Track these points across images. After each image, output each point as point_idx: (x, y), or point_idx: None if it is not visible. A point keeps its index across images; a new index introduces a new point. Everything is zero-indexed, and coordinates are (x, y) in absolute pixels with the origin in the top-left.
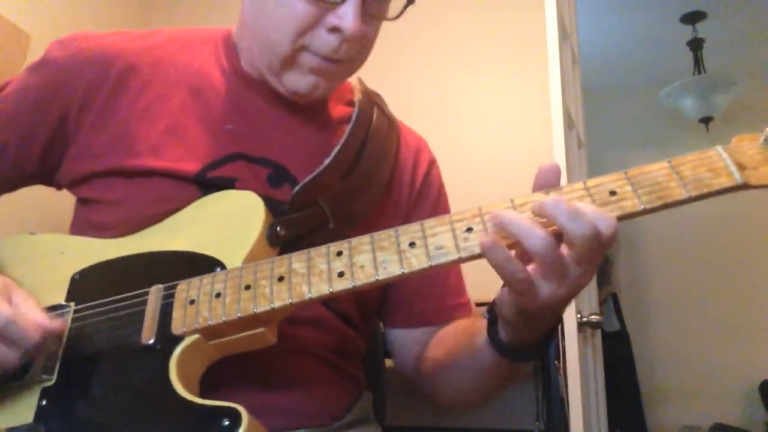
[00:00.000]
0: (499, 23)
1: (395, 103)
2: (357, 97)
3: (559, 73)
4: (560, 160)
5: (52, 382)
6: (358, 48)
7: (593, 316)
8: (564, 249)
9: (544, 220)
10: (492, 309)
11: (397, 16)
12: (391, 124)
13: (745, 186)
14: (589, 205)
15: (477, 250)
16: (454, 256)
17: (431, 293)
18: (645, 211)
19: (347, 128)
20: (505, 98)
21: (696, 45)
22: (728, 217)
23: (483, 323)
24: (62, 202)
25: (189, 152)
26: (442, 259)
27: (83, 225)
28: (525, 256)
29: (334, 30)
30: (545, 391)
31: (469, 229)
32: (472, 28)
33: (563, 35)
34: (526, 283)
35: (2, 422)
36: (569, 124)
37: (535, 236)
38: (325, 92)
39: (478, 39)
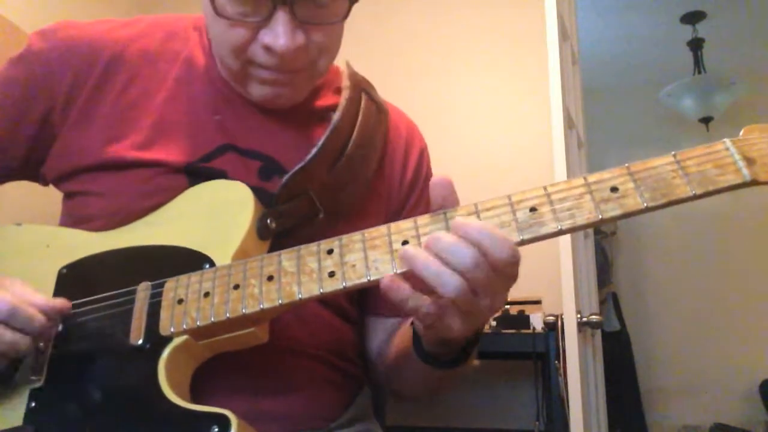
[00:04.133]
0: (499, 23)
1: (395, 102)
2: (344, 83)
3: (559, 73)
4: (560, 160)
5: (40, 383)
6: (307, 56)
7: (593, 316)
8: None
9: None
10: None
11: (345, 17)
12: (379, 109)
13: (753, 183)
14: (484, 228)
15: None
16: None
17: None
18: (648, 209)
19: (333, 118)
20: (505, 98)
21: (696, 45)
22: (729, 217)
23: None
24: (48, 196)
25: (179, 145)
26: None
27: (69, 220)
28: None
29: (268, 48)
30: (545, 391)
31: None
32: (472, 28)
33: (563, 35)
34: (430, 317)
35: None
36: (569, 124)
37: (445, 283)
38: (293, 98)
39: (478, 39)
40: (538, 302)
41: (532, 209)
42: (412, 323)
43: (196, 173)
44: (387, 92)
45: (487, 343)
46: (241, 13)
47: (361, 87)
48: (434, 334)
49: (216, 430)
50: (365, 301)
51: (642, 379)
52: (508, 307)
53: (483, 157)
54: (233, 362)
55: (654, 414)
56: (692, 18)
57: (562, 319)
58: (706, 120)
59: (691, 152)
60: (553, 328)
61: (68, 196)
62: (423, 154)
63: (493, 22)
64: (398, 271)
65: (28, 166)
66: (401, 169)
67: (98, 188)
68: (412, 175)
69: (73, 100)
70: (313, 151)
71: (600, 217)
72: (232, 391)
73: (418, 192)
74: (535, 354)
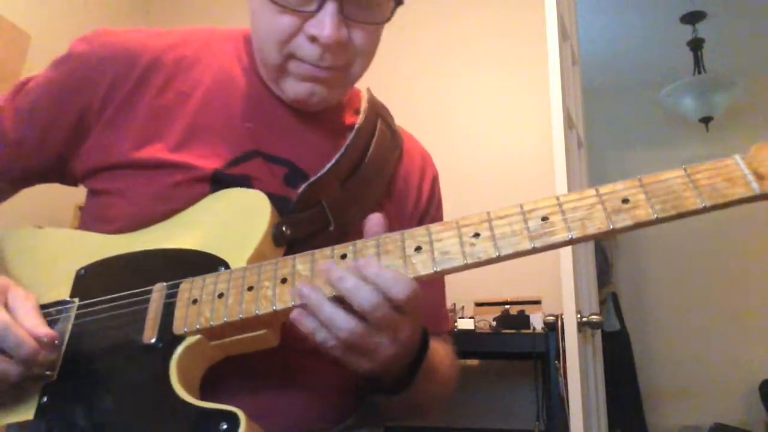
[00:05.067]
0: (499, 23)
1: (395, 103)
2: (363, 106)
3: (559, 73)
4: (560, 160)
5: (53, 379)
6: (347, 55)
7: (593, 316)
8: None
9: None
10: None
11: (388, 19)
12: (393, 136)
13: (763, 196)
14: (382, 270)
15: (484, 257)
16: (459, 262)
17: (430, 299)
18: (658, 220)
19: (350, 135)
20: (505, 98)
21: (696, 45)
22: (729, 217)
23: None
24: (61, 200)
25: (208, 149)
26: (448, 265)
27: (91, 218)
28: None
29: (313, 39)
30: (545, 391)
31: (476, 235)
32: (472, 28)
33: (563, 35)
34: (336, 351)
35: (4, 419)
36: (569, 124)
37: (360, 296)
38: (326, 99)
39: (478, 39)
40: (538, 302)
41: (544, 218)
42: None
43: (221, 180)
44: (388, 92)
45: (487, 343)
46: (293, 3)
47: (378, 112)
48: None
49: (225, 426)
50: None
51: (642, 379)
52: (507, 307)
53: (483, 157)
54: (242, 359)
55: (654, 414)
56: (692, 18)
57: (562, 319)
58: (706, 120)
59: (702, 166)
60: (553, 328)
61: (93, 193)
62: (435, 182)
63: (493, 22)
64: (438, 270)
65: (61, 165)
66: (416, 194)
67: (123, 187)
68: (426, 201)
69: (109, 101)
70: (329, 164)
71: (611, 227)
72: (239, 387)
73: (429, 218)
74: (535, 354)
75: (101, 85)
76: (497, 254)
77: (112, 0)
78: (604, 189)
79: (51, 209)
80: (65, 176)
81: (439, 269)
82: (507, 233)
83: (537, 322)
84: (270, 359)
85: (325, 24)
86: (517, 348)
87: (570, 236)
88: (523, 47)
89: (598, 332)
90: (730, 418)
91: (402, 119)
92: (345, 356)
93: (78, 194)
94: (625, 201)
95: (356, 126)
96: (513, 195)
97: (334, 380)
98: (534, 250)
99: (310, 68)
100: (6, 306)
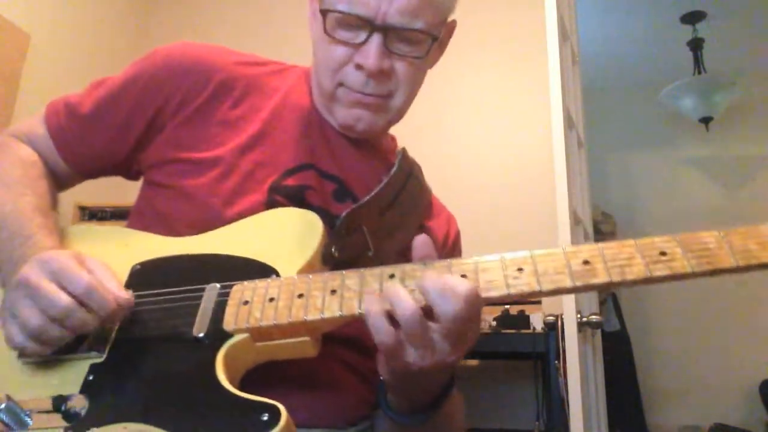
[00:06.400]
0: (499, 23)
1: None
2: (398, 149)
3: (559, 73)
4: (560, 160)
5: (101, 360)
6: (389, 84)
7: (593, 316)
8: (433, 324)
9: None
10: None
11: (426, 54)
12: (423, 188)
13: None
14: (462, 283)
15: (525, 289)
16: (502, 292)
17: None
18: (694, 275)
19: (394, 166)
20: (505, 98)
21: (696, 45)
22: (729, 216)
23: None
24: (61, 200)
25: (270, 158)
26: (492, 293)
27: (147, 210)
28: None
29: (359, 67)
30: (545, 391)
31: (520, 269)
32: (472, 28)
33: (563, 35)
34: (392, 347)
35: (51, 390)
36: (569, 124)
37: (403, 306)
38: (371, 125)
39: (478, 39)
40: (538, 302)
41: (585, 262)
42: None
43: (278, 188)
44: None
45: (487, 343)
46: (345, 36)
47: (411, 166)
48: (388, 366)
49: (266, 417)
50: None
51: (642, 379)
52: (507, 307)
53: (483, 156)
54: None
55: (654, 414)
56: (692, 18)
57: (562, 319)
58: (705, 120)
59: (736, 230)
60: (553, 328)
61: (154, 185)
62: (458, 237)
63: (493, 22)
64: (483, 297)
65: (131, 158)
66: (443, 241)
67: (185, 185)
68: (450, 249)
69: (186, 104)
70: (375, 189)
71: (649, 275)
72: (263, 378)
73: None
74: (535, 354)
75: (180, 90)
76: (539, 289)
77: (112, 0)
78: (642, 241)
79: None
80: (131, 169)
81: (483, 296)
82: (549, 270)
83: (537, 322)
84: (289, 360)
85: (370, 54)
86: (517, 348)
87: (610, 280)
88: (523, 47)
89: (598, 332)
90: (730, 418)
91: (402, 119)
92: (395, 353)
93: (78, 194)
94: (663, 254)
95: (397, 160)
96: (513, 195)
97: (350, 383)
98: (574, 289)
99: (356, 95)
100: (86, 269)
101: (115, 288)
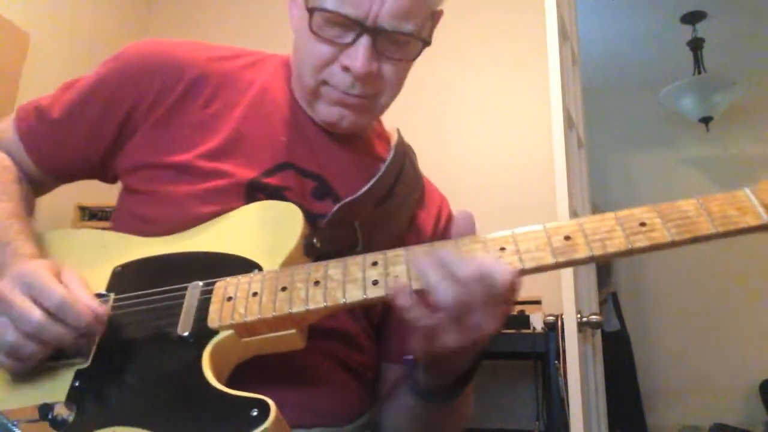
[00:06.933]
0: (499, 23)
1: (396, 103)
2: (394, 140)
3: (559, 73)
4: (560, 160)
5: (86, 365)
6: (376, 86)
7: (593, 316)
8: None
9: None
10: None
11: (414, 58)
12: (416, 175)
13: None
14: (485, 257)
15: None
16: None
17: None
18: (674, 243)
19: (387, 158)
20: (505, 98)
21: (696, 45)
22: None
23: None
24: (61, 200)
25: (246, 158)
26: None
27: (126, 215)
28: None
29: (346, 69)
30: (545, 391)
31: (502, 249)
32: (472, 28)
33: (563, 35)
34: (428, 329)
35: (36, 398)
36: (569, 124)
37: (441, 289)
38: (355, 124)
39: (479, 39)
40: (538, 302)
41: (567, 237)
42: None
43: (256, 188)
44: None
45: None
46: (331, 34)
47: (405, 152)
48: (423, 349)
49: (256, 413)
50: (380, 348)
51: (642, 379)
52: None
53: (483, 157)
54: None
55: (654, 414)
56: (692, 18)
57: (562, 319)
58: (705, 120)
59: (714, 197)
60: (553, 328)
61: (131, 191)
62: (449, 223)
63: (493, 23)
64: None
65: (107, 159)
66: (433, 230)
67: (160, 190)
68: (441, 234)
69: (158, 104)
70: (369, 184)
71: (630, 246)
72: (256, 377)
73: None
74: (535, 354)
75: (151, 90)
76: (521, 267)
77: (112, 0)
78: (622, 213)
79: (51, 209)
80: (107, 173)
81: None
82: (531, 248)
83: (537, 322)
84: (290, 356)
85: (358, 56)
86: (517, 348)
87: (591, 254)
88: (523, 47)
89: (598, 332)
90: (730, 418)
91: (402, 119)
92: (435, 334)
93: (78, 194)
94: (642, 224)
95: (390, 154)
96: (513, 195)
97: (348, 381)
98: (556, 265)
99: (340, 94)
100: (61, 282)
101: (89, 300)
